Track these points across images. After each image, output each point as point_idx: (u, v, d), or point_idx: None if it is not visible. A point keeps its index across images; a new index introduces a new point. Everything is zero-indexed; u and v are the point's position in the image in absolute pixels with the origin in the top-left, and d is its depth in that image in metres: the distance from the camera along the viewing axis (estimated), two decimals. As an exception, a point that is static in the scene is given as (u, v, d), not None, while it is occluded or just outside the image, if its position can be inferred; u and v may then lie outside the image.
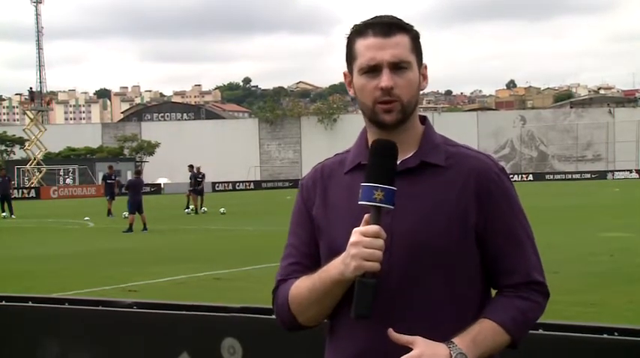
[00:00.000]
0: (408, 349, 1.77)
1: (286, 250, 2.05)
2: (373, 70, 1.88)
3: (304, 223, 2.01)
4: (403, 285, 1.84)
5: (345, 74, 1.98)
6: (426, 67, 1.97)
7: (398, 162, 1.85)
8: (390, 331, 1.78)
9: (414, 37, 1.92)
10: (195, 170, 31.16)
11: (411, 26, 1.93)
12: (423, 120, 2.00)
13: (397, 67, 1.87)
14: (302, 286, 1.92)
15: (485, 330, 1.84)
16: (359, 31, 1.92)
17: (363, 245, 1.75)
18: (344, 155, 2.03)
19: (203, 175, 31.10)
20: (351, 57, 1.94)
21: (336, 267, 1.82)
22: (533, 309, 1.91)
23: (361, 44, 1.90)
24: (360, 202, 1.78)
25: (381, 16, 1.93)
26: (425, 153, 1.92)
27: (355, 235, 1.77)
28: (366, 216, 1.78)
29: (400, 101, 1.88)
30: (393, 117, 1.88)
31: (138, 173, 26.25)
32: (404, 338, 1.77)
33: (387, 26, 1.89)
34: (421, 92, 1.97)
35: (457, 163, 1.92)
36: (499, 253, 1.91)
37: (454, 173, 1.90)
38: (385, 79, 1.86)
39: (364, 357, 1.86)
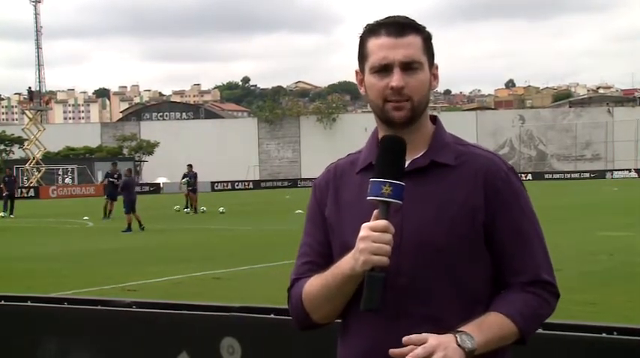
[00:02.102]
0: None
1: (301, 249, 2.06)
2: (384, 69, 1.89)
3: (318, 223, 2.03)
4: (412, 284, 1.86)
5: (356, 72, 1.99)
6: (437, 67, 1.99)
7: (408, 162, 1.87)
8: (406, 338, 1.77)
9: (427, 38, 1.94)
10: (187, 169, 31.12)
11: (424, 27, 1.95)
12: (434, 119, 2.02)
13: (408, 67, 1.88)
14: (315, 283, 1.93)
15: (489, 319, 1.84)
16: (372, 30, 1.93)
17: (371, 239, 1.76)
18: (356, 155, 2.05)
19: (195, 174, 30.86)
20: (363, 55, 1.95)
21: (346, 263, 1.84)
22: (542, 306, 1.91)
23: (373, 43, 1.91)
24: (368, 197, 1.80)
25: (394, 16, 1.94)
26: (435, 153, 1.93)
27: (364, 230, 1.79)
28: (375, 211, 1.79)
29: (411, 101, 1.89)
30: (403, 114, 1.89)
31: (130, 171, 26.15)
32: (414, 338, 1.76)
33: (400, 26, 1.90)
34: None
35: (466, 162, 1.93)
36: (507, 252, 1.92)
37: (464, 172, 1.92)
38: (396, 79, 1.87)
39: (373, 354, 1.88)
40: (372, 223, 1.78)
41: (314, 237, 2.04)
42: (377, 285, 1.77)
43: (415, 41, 1.90)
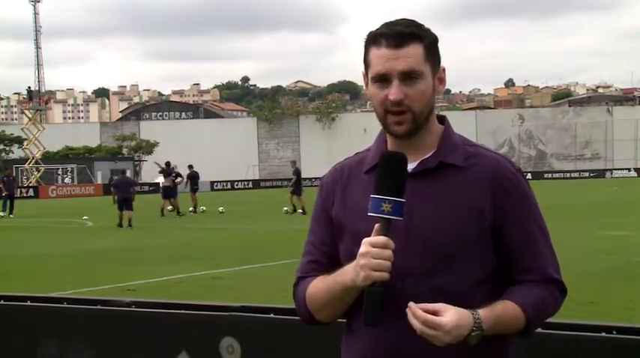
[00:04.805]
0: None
1: (306, 247, 2.09)
2: (384, 80, 1.90)
3: (323, 222, 2.05)
4: (418, 284, 1.86)
5: (363, 74, 2.01)
6: (443, 70, 1.98)
7: (417, 163, 1.90)
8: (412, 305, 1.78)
9: (429, 44, 1.92)
10: (169, 167, 30.93)
11: (427, 31, 1.93)
12: (442, 120, 2.02)
13: (408, 77, 1.89)
14: (319, 286, 1.96)
15: (508, 312, 1.85)
16: (373, 39, 1.93)
17: (371, 255, 1.78)
18: (364, 154, 2.06)
19: (177, 174, 30.48)
20: (366, 63, 1.96)
21: (348, 273, 1.85)
22: (552, 303, 1.94)
23: (374, 54, 1.92)
24: (368, 214, 1.81)
25: (396, 24, 1.92)
26: (444, 154, 1.95)
27: (364, 246, 1.80)
28: (377, 226, 1.81)
29: (411, 111, 1.90)
30: (404, 128, 1.91)
31: (123, 172, 26.30)
32: (430, 306, 1.77)
33: (400, 37, 1.89)
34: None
35: (475, 164, 1.94)
36: (515, 252, 1.93)
37: (472, 173, 1.93)
38: (394, 92, 1.88)
39: (378, 356, 1.89)
40: (372, 239, 1.79)
41: (318, 236, 2.06)
42: (376, 300, 1.78)
43: (416, 51, 1.89)
